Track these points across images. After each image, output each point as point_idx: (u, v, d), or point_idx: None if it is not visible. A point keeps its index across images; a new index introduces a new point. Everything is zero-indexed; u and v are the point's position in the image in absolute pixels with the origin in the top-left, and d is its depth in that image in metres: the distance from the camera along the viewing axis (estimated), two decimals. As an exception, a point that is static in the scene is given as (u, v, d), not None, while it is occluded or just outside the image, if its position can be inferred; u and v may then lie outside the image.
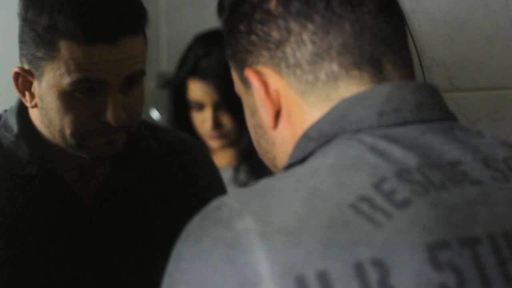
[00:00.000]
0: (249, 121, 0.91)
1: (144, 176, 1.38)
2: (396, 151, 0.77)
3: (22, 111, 1.32)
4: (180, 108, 2.25)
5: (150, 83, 2.72)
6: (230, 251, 0.72)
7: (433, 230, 0.72)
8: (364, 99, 0.81)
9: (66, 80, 1.21)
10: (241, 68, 0.88)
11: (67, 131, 1.25)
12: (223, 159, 2.26)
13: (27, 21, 1.23)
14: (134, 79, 1.26)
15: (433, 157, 0.78)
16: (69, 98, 1.23)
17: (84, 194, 1.33)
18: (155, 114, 2.69)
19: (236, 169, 2.21)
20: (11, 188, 1.30)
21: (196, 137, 2.20)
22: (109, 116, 1.23)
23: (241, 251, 0.71)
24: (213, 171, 1.49)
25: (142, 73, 1.27)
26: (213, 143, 2.22)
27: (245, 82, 0.88)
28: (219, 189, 1.48)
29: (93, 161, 1.33)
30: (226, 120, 2.19)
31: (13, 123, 1.31)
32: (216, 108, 2.19)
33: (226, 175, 2.20)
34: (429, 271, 0.70)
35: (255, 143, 0.92)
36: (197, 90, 2.19)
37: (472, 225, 0.74)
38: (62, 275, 1.30)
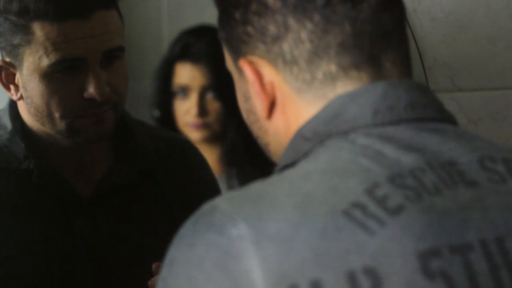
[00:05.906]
0: (242, 105, 0.89)
1: (143, 174, 1.39)
2: (391, 152, 0.76)
3: (13, 109, 1.33)
4: (164, 96, 2.19)
5: (151, 84, 2.72)
6: (224, 258, 0.71)
7: (425, 238, 0.71)
8: (358, 97, 0.79)
9: (45, 62, 1.22)
10: (235, 56, 0.86)
11: (56, 115, 1.26)
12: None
13: (1, 12, 1.24)
14: (114, 55, 1.27)
15: (429, 157, 0.77)
16: (51, 81, 1.24)
17: (82, 189, 1.33)
18: (156, 114, 2.68)
19: (228, 176, 2.16)
20: (9, 184, 1.31)
21: (175, 130, 2.13)
22: (93, 90, 1.24)
23: (235, 258, 0.71)
24: (207, 168, 1.51)
25: (121, 49, 1.28)
26: (195, 134, 2.14)
27: (240, 69, 0.86)
28: (214, 186, 1.50)
29: (91, 156, 1.34)
30: (212, 108, 2.12)
31: (6, 121, 1.33)
32: (203, 93, 2.13)
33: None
34: (421, 279, 0.70)
35: (248, 125, 0.90)
36: (184, 73, 2.15)
37: (465, 231, 0.73)
38: (61, 270, 1.30)
